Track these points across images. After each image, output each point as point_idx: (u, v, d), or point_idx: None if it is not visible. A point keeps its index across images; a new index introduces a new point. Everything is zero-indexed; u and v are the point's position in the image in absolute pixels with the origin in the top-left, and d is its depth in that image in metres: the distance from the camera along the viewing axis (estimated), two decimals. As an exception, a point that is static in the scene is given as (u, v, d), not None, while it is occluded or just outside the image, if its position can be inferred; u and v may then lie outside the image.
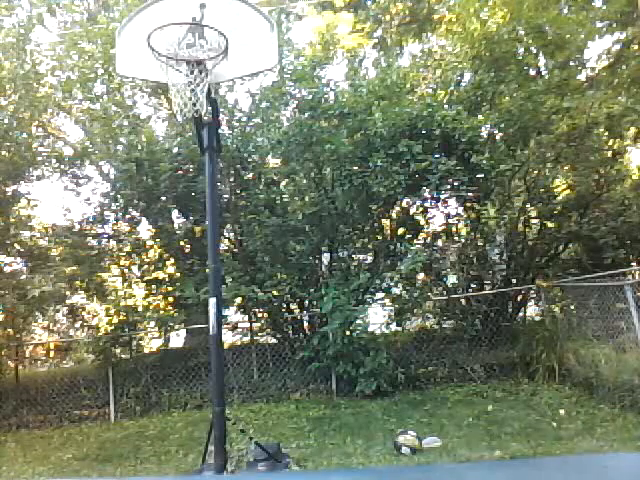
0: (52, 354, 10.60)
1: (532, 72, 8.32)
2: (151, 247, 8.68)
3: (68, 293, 8.40)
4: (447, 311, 8.10)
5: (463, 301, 8.22)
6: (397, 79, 7.46)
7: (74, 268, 7.85)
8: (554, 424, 5.03)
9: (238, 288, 6.92)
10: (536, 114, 7.13)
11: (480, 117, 7.27)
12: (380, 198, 7.13)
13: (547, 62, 8.39)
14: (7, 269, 8.81)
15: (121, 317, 8.01)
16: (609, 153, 8.02)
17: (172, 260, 8.37)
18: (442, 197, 7.63)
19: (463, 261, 8.36)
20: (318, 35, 12.79)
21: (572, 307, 7.34)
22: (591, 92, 7.49)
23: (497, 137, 7.95)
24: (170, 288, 8.09)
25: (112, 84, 8.71)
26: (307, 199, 7.61)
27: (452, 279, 8.53)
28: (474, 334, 7.48)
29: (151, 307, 8.36)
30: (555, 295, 7.90)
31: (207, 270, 4.71)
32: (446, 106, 7.59)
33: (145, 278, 8.56)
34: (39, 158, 8.75)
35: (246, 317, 8.35)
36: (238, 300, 7.53)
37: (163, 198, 7.77)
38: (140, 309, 8.27)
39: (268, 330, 8.28)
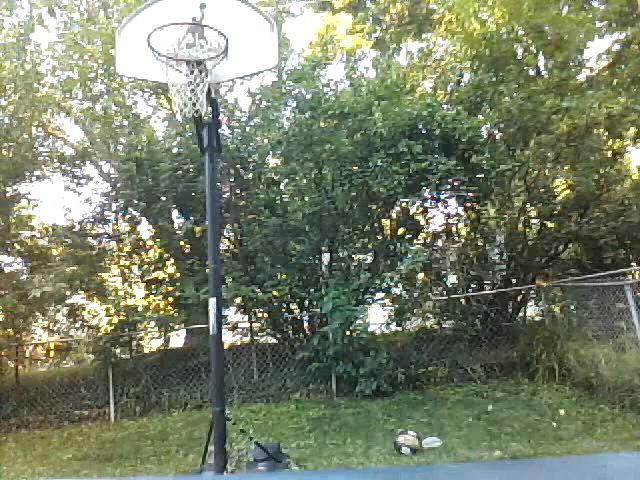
0: (52, 354, 10.60)
1: (532, 72, 8.32)
2: (151, 247, 8.68)
3: (68, 293, 8.40)
4: (447, 311, 8.09)
5: (463, 301, 8.21)
6: (397, 79, 7.46)
7: (74, 268, 7.85)
8: (554, 424, 5.03)
9: (238, 288, 6.92)
10: (536, 114, 7.12)
11: (480, 117, 7.26)
12: (380, 198, 7.12)
13: (547, 62, 8.39)
14: (7, 269, 8.82)
15: (121, 317, 8.00)
16: (609, 153, 8.02)
17: (172, 260, 8.37)
18: (442, 197, 7.63)
19: (463, 261, 8.36)
20: (318, 36, 12.80)
21: (572, 307, 7.34)
22: (591, 92, 7.48)
23: (497, 137, 7.95)
24: (170, 288, 8.08)
25: (112, 84, 8.71)
26: (307, 199, 7.61)
27: (452, 279, 8.53)
28: (474, 334, 7.48)
29: (151, 307, 8.36)
30: (555, 295, 7.90)
31: (207, 270, 4.71)
32: (446, 106, 7.59)
33: (145, 278, 8.55)
34: (40, 158, 8.77)
35: (246, 317, 8.35)
36: (238, 300, 7.53)
37: (163, 198, 7.77)
38: (140, 309, 8.26)
39: (268, 330, 8.28)
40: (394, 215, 8.07)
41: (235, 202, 7.82)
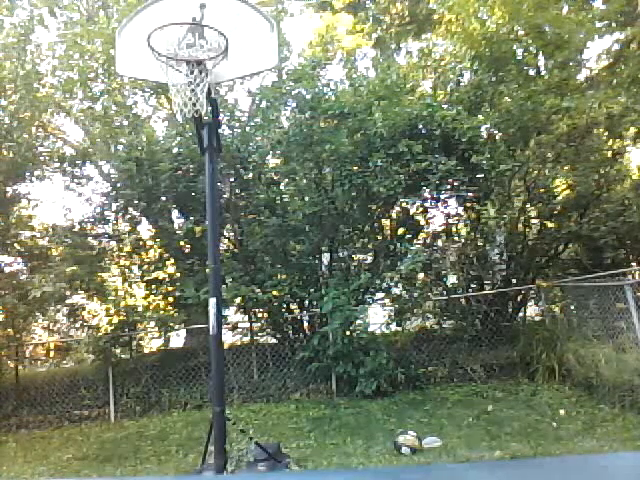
0: (52, 354, 10.60)
1: (532, 72, 8.32)
2: (151, 247, 8.67)
3: (68, 293, 8.40)
4: (447, 311, 8.09)
5: (463, 301, 8.21)
6: (397, 79, 7.47)
7: (74, 268, 7.83)
8: (554, 424, 5.03)
9: (238, 288, 6.92)
10: (536, 114, 7.13)
11: (480, 117, 7.27)
12: (380, 198, 7.13)
13: (547, 62, 8.39)
14: (7, 269, 8.82)
15: (121, 317, 7.99)
16: (609, 153, 8.02)
17: (172, 260, 8.36)
18: (442, 197, 7.63)
19: (463, 261, 8.36)
20: (318, 36, 12.80)
21: (572, 307, 7.34)
22: (591, 92, 7.49)
23: (497, 137, 7.95)
24: (170, 288, 8.08)
25: (112, 84, 8.71)
26: (307, 199, 7.61)
27: (452, 279, 8.53)
28: (474, 334, 7.47)
29: (151, 307, 8.34)
30: (555, 295, 7.90)
31: (207, 270, 4.71)
32: (446, 106, 7.59)
33: (145, 278, 8.53)
34: (40, 158, 8.77)
35: (246, 317, 8.35)
36: (238, 300, 7.53)
37: (163, 198, 7.77)
38: (140, 309, 8.25)
39: (268, 330, 8.28)
40: (394, 215, 8.07)
41: (235, 202, 7.82)
